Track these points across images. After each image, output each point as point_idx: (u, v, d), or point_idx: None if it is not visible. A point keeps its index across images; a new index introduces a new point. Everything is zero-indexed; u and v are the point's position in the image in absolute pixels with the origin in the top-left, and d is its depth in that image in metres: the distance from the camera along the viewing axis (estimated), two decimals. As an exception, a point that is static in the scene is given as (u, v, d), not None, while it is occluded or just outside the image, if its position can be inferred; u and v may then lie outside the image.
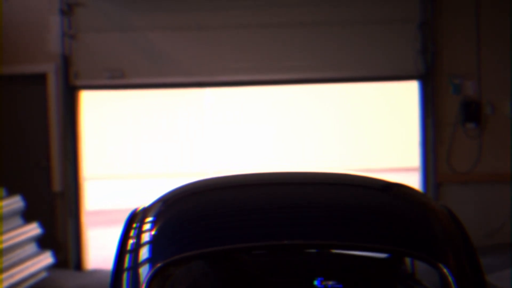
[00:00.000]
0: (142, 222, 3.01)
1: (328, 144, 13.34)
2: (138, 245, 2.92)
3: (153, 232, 2.93)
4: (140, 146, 21.80)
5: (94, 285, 9.90)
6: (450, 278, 2.85)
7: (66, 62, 10.89)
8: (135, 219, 3.06)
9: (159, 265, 2.80)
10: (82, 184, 11.07)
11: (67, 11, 10.81)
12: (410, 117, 12.32)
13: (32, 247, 9.80)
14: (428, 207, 3.12)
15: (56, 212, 10.98)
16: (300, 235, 2.83)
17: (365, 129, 13.78)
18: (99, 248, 11.54)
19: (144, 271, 2.82)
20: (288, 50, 10.81)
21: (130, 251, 2.92)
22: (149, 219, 2.99)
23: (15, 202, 9.76)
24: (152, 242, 2.89)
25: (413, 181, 11.39)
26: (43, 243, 10.22)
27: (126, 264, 2.90)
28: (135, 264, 2.86)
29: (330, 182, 3.29)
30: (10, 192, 9.96)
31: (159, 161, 21.74)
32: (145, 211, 3.07)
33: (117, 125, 21.94)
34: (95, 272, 10.78)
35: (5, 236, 9.10)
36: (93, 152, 18.98)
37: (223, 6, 10.76)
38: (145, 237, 2.94)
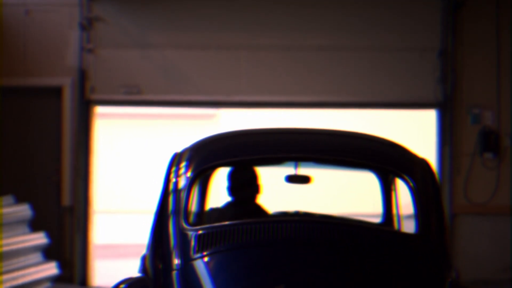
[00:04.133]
0: (181, 155, 4.10)
1: (342, 172, 13.17)
2: (178, 172, 3.91)
3: (190, 155, 4.04)
4: (150, 180, 21.71)
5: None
6: (412, 184, 3.80)
7: (83, 76, 10.86)
8: (175, 157, 4.12)
9: (197, 170, 3.89)
10: (92, 200, 10.94)
11: (86, 26, 10.83)
12: (427, 146, 12.17)
13: (37, 256, 9.64)
14: (406, 150, 4.11)
15: (65, 227, 10.83)
16: (300, 151, 4.06)
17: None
18: (107, 277, 11.37)
19: (185, 181, 3.87)
20: (307, 73, 10.74)
21: (174, 177, 3.91)
22: (186, 153, 4.09)
23: (23, 210, 9.64)
24: (190, 160, 3.98)
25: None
26: (49, 257, 10.06)
27: (171, 187, 3.87)
28: (176, 186, 3.86)
29: (330, 132, 4.35)
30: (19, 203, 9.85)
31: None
32: (182, 152, 4.14)
33: (128, 157, 21.90)
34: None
35: (10, 241, 8.95)
36: (104, 186, 18.91)
37: (242, 27, 10.75)
38: (184, 161, 4.00)
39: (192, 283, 3.45)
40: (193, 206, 4.10)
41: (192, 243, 3.61)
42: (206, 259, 3.54)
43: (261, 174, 5.12)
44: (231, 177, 5.01)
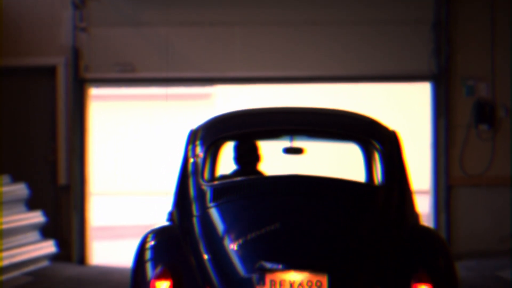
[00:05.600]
0: (196, 131, 5.05)
1: (337, 145, 13.18)
2: (195, 143, 4.93)
3: (203, 130, 5.02)
4: (149, 162, 21.71)
5: (96, 276, 9.72)
6: (380, 148, 4.86)
7: (76, 55, 10.84)
8: (192, 133, 5.06)
9: (210, 141, 4.93)
10: (88, 179, 10.94)
11: (79, 4, 10.79)
12: (421, 119, 12.18)
13: (34, 235, 9.66)
14: (379, 123, 5.09)
15: (61, 206, 10.83)
16: (294, 125, 5.13)
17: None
18: (105, 257, 11.39)
19: (201, 149, 4.89)
20: (300, 48, 10.73)
21: (192, 147, 4.92)
22: (200, 129, 5.06)
23: (20, 189, 9.65)
24: (203, 134, 4.98)
25: (424, 183, 11.20)
26: (47, 236, 10.08)
27: (190, 154, 4.90)
28: (194, 153, 4.88)
29: (318, 110, 5.35)
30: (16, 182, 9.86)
31: (168, 177, 21.62)
32: (197, 129, 5.08)
33: (124, 139, 21.89)
34: (98, 267, 10.60)
35: (7, 219, 8.97)
36: (101, 168, 18.90)
37: (235, 3, 10.73)
38: (199, 135, 4.99)
39: (209, 225, 4.50)
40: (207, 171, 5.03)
41: (208, 195, 4.65)
42: (219, 207, 4.57)
43: (263, 153, 6.27)
44: (237, 149, 6.21)
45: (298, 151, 5.73)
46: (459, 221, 10.60)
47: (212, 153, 5.32)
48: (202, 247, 4.42)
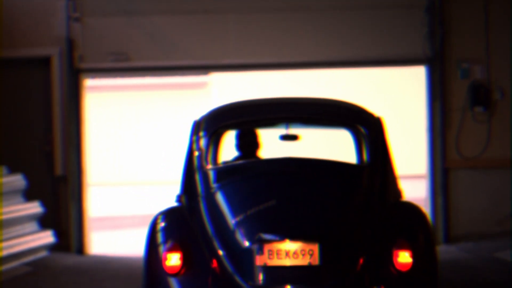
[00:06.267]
0: (200, 121, 5.58)
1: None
2: (199, 132, 5.47)
3: (206, 120, 5.54)
4: (146, 152, 21.71)
5: (94, 265, 9.74)
6: (365, 132, 5.45)
7: (71, 46, 10.83)
8: (196, 123, 5.58)
9: (212, 129, 5.47)
10: (85, 169, 10.94)
11: (72, -6, 10.77)
12: (417, 103, 12.19)
13: (33, 225, 9.67)
14: (365, 110, 5.64)
15: (59, 196, 10.84)
16: (289, 113, 5.69)
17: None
18: (104, 247, 11.41)
19: (204, 137, 5.43)
20: (295, 34, 10.72)
21: (197, 135, 5.48)
22: (203, 119, 5.58)
23: (17, 180, 9.66)
24: (207, 123, 5.51)
25: (421, 168, 11.22)
26: (45, 226, 10.09)
27: (194, 140, 5.45)
28: (199, 141, 5.42)
29: (311, 99, 5.98)
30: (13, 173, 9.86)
31: (165, 167, 21.62)
32: (200, 120, 5.60)
33: (120, 130, 21.88)
34: (97, 256, 10.62)
35: (4, 210, 8.98)
36: (98, 159, 18.89)
37: (229, -10, 10.71)
38: (203, 124, 5.52)
39: (213, 204, 5.07)
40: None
41: (212, 177, 5.26)
42: (222, 187, 5.16)
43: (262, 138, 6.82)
44: (238, 137, 6.81)
45: (293, 137, 6.33)
46: (456, 204, 10.62)
47: (215, 141, 5.90)
48: (207, 223, 5.00)
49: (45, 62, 10.93)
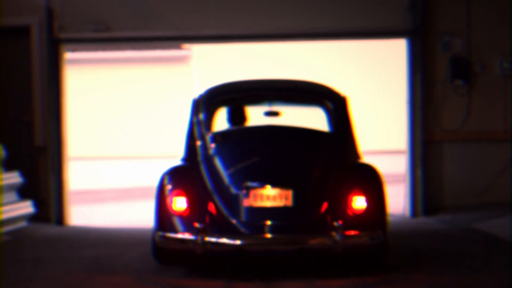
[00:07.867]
0: (198, 99, 7.18)
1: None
2: (198, 107, 7.07)
3: (204, 97, 7.19)
4: (127, 127, 21.63)
5: (74, 235, 9.72)
6: (332, 107, 7.04)
7: (50, 15, 10.73)
8: (196, 100, 7.17)
9: (209, 103, 7.12)
10: (65, 139, 10.89)
11: (52, -37, 10.65)
12: (397, 76, 12.19)
13: (12, 195, 9.62)
14: (332, 89, 7.28)
15: (38, 167, 10.79)
16: (272, 91, 7.42)
17: (351, 88, 13.64)
18: (84, 218, 11.39)
19: (203, 110, 7.02)
20: (276, 4, 10.68)
21: (196, 109, 7.07)
22: (202, 97, 7.20)
23: (-5, 150, 9.58)
24: (204, 99, 7.15)
25: (400, 140, 11.25)
26: (25, 197, 10.05)
27: (195, 111, 7.06)
28: (198, 113, 7.03)
29: (289, 80, 7.72)
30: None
31: (146, 141, 21.56)
32: (199, 98, 7.19)
33: (101, 104, 21.77)
34: (76, 227, 10.60)
35: (-17, 179, 8.92)
36: (78, 133, 18.79)
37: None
38: (202, 100, 7.14)
39: (210, 161, 6.58)
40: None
41: (209, 140, 6.77)
42: (217, 147, 6.68)
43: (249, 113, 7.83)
44: (229, 112, 7.77)
45: (275, 114, 7.38)
46: (435, 176, 10.67)
47: (211, 114, 7.13)
48: (206, 176, 6.49)
49: (24, 31, 10.82)
